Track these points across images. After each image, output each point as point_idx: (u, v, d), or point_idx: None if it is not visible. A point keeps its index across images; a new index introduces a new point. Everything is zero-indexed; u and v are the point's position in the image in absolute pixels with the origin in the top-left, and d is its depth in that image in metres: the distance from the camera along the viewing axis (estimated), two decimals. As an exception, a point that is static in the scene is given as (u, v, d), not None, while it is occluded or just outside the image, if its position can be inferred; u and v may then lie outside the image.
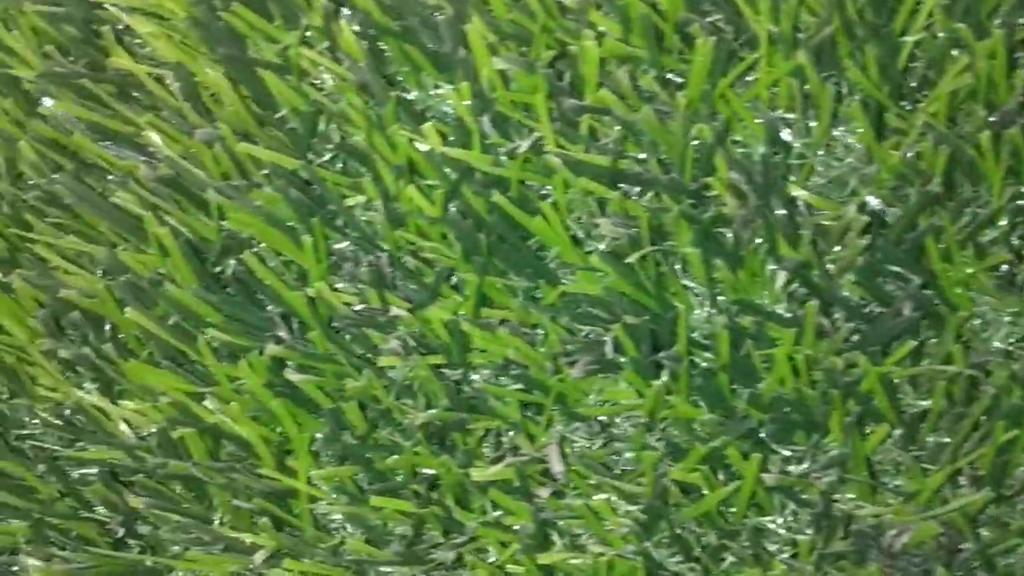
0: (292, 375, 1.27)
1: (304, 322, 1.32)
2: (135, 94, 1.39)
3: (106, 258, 1.32)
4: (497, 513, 1.30)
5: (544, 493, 1.25)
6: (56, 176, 1.31)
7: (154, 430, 1.38)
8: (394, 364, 1.27)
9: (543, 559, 1.28)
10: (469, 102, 1.26)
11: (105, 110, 1.35)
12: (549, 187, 1.31)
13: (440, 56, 1.34)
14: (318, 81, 1.37)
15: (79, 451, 1.40)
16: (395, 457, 1.28)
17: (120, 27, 1.35)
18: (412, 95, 1.36)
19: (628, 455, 1.31)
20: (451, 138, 1.31)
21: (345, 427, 1.31)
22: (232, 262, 1.36)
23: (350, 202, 1.33)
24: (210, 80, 1.32)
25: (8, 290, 1.36)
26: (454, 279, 1.32)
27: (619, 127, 1.25)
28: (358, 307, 1.32)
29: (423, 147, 1.28)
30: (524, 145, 1.23)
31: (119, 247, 1.33)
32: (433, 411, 1.26)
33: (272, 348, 1.26)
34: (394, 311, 1.24)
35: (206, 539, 1.36)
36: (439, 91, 1.36)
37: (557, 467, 1.22)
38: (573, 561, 1.29)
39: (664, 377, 1.25)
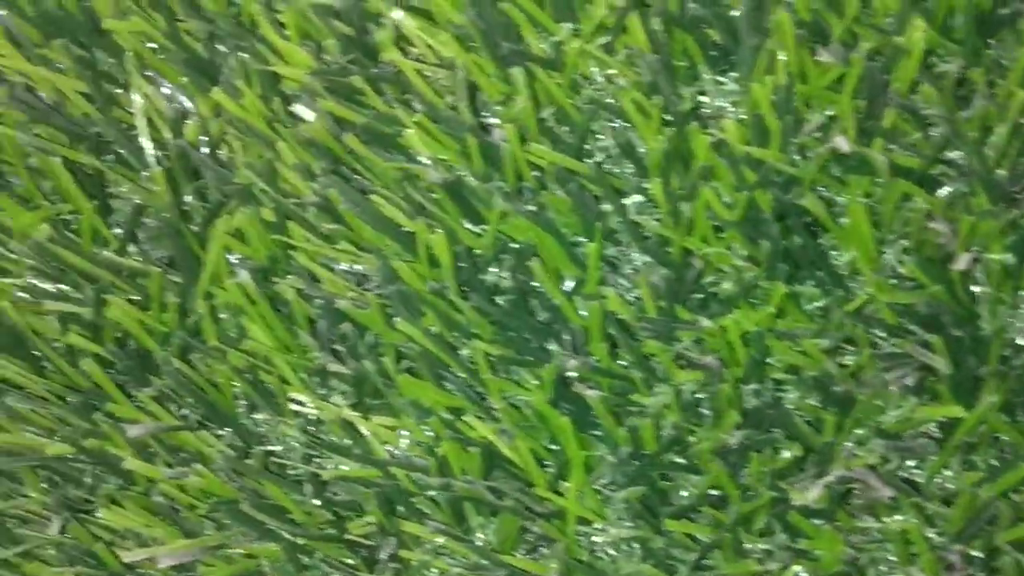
0: (587, 391, 1.20)
1: (584, 335, 1.24)
2: (388, 94, 1.32)
3: (378, 268, 1.24)
4: (782, 537, 1.23)
5: (869, 521, 1.17)
6: (324, 179, 1.24)
7: (404, 446, 1.31)
8: (696, 379, 1.20)
9: (849, 587, 1.20)
10: (773, 97, 1.18)
11: (369, 111, 1.28)
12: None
13: (720, 49, 1.27)
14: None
15: (324, 468, 1.34)
16: (700, 478, 1.20)
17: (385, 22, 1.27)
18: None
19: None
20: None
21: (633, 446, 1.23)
22: (495, 270, 1.29)
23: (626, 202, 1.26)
24: (486, 79, 1.24)
25: (269, 300, 1.29)
26: (724, 285, 1.25)
27: (938, 126, 1.18)
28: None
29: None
30: (844, 144, 1.15)
31: (388, 256, 1.26)
32: (741, 432, 1.18)
33: (572, 363, 1.19)
34: (704, 322, 1.16)
35: (469, 562, 1.28)
36: (721, 87, 1.28)
37: (886, 491, 1.14)
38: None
39: (989, 394, 1.17)
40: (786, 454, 1.19)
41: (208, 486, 1.28)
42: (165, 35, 1.34)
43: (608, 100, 1.28)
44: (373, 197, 1.29)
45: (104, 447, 1.34)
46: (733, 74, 1.29)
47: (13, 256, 1.39)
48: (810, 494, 1.15)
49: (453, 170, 1.26)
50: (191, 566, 1.36)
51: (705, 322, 1.18)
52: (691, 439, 1.24)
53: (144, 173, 1.41)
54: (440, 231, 1.25)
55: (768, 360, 1.23)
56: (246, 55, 1.32)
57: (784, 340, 1.21)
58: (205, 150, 1.37)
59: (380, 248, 1.26)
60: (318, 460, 1.36)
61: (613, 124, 1.29)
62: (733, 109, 1.28)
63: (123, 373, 1.37)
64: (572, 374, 1.24)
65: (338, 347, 1.30)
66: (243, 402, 1.38)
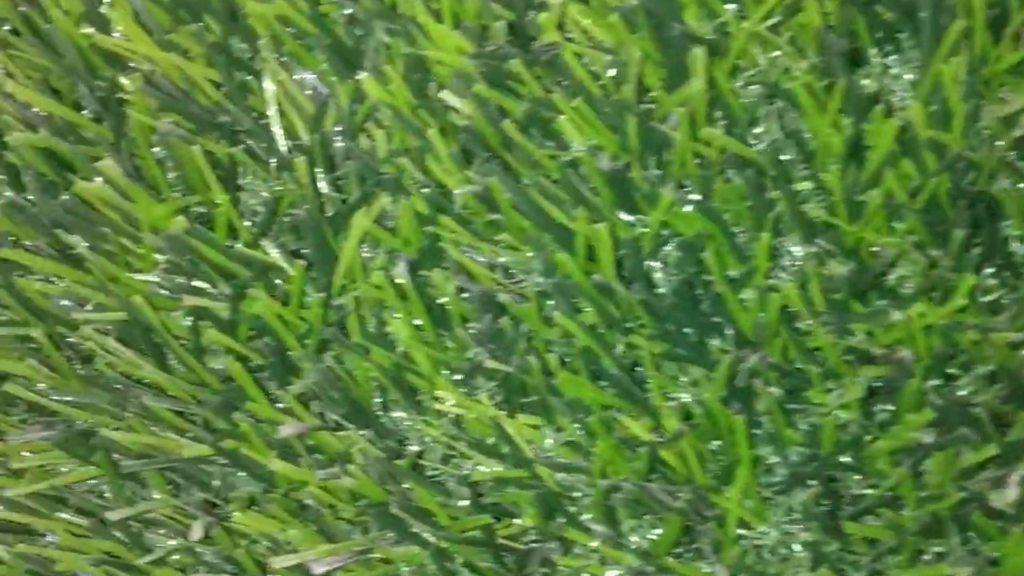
0: (765, 389, 1.14)
1: (750, 329, 1.19)
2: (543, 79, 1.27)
3: (531, 260, 1.19)
4: (955, 540, 1.18)
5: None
6: (482, 168, 1.18)
7: (548, 446, 1.26)
8: (879, 374, 1.14)
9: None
10: (965, 79, 1.13)
11: (526, 97, 1.22)
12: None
13: (886, 29, 1.22)
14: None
15: (463, 469, 1.28)
16: (878, 479, 1.14)
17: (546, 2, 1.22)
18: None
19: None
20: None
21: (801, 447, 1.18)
22: (648, 262, 1.24)
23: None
24: (647, 63, 1.19)
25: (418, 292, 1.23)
26: (901, 275, 1.19)
27: None
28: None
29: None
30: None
31: (547, 247, 1.20)
32: (933, 430, 1.13)
33: (753, 358, 1.13)
34: (896, 315, 1.11)
35: (624, 566, 1.23)
36: (888, 70, 1.23)
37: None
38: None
39: None
40: (952, 450, 1.13)
41: (360, 488, 1.22)
42: (308, 19, 1.28)
43: (772, 83, 1.23)
44: (527, 186, 1.24)
45: (240, 448, 1.29)
46: (895, 56, 1.24)
47: (140, 250, 1.34)
48: (1007, 495, 1.10)
49: (614, 158, 1.21)
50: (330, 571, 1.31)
51: (896, 315, 1.12)
52: (866, 438, 1.18)
53: (272, 162, 1.36)
54: (601, 223, 1.20)
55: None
56: (391, 38, 1.26)
57: (967, 333, 1.15)
58: (339, 140, 1.32)
59: (538, 239, 1.21)
60: (456, 460, 1.30)
61: (775, 109, 1.23)
62: (902, 92, 1.22)
63: (257, 371, 1.32)
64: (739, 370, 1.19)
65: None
66: (378, 400, 1.32)
